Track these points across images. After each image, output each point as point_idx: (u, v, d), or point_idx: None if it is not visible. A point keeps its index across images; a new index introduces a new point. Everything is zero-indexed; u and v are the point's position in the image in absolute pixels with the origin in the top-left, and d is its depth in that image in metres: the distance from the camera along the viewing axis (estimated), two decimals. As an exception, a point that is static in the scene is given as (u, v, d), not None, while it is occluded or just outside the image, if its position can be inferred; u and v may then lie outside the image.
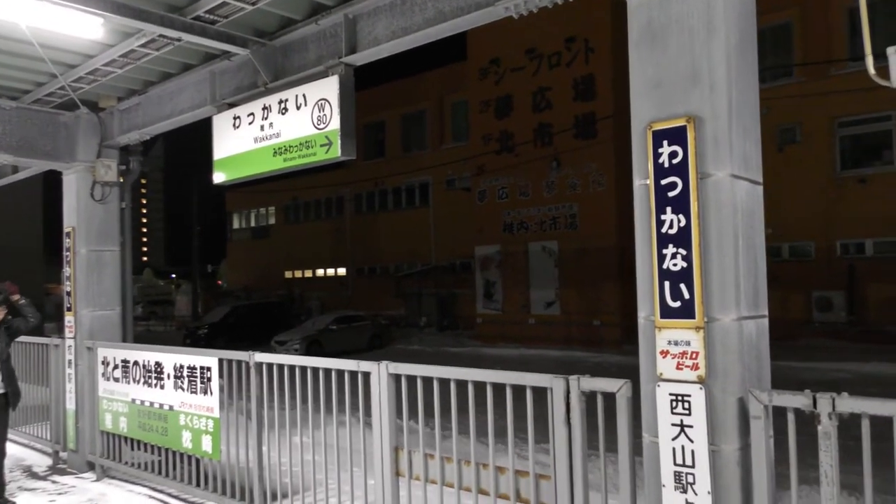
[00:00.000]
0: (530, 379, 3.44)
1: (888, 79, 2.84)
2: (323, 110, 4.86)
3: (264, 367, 4.97)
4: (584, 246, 22.97)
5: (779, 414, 2.76)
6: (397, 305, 30.79)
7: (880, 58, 2.95)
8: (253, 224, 43.00)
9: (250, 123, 5.44)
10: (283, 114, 5.17)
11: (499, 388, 3.59)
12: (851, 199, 21.72)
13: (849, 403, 2.58)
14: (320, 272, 37.79)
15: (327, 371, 4.48)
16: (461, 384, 3.72)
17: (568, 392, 3.28)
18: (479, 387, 3.66)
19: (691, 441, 2.91)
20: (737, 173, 2.92)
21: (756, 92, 3.10)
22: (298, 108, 5.04)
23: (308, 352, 20.91)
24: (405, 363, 4.11)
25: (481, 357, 20.72)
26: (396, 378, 4.11)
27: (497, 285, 24.72)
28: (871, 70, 2.99)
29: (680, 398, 2.95)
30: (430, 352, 22.08)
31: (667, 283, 2.99)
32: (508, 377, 3.52)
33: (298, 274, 38.99)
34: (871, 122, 21.72)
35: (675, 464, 2.94)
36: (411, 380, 4.04)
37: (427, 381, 3.95)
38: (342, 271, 36.13)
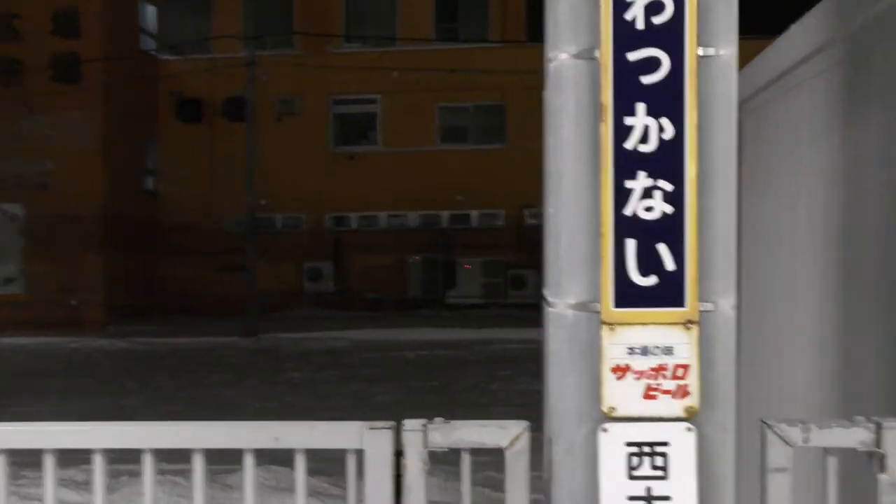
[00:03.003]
0: (314, 437, 1.70)
1: None
2: None
3: None
4: (59, 211, 19.29)
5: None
6: None
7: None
8: None
9: None
10: None
11: (221, 457, 1.76)
12: (342, 175, 22.74)
13: (935, 434, 1.63)
14: None
15: None
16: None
17: (399, 455, 1.67)
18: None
19: (668, 524, 1.63)
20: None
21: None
22: None
23: None
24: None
25: None
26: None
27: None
28: None
29: (649, 450, 1.64)
30: None
31: (631, 244, 1.63)
32: (240, 438, 1.71)
33: None
34: (361, 104, 23.04)
35: (636, 567, 1.63)
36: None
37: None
38: None
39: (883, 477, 1.63)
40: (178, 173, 22.72)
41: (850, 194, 2.49)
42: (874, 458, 1.64)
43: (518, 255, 23.13)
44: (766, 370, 3.11)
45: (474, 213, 23.88)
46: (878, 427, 1.63)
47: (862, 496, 1.70)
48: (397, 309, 21.84)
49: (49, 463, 1.73)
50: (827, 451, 1.66)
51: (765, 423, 1.67)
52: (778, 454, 1.65)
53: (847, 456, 1.67)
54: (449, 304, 22.53)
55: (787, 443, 1.65)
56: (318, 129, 22.82)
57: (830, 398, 2.49)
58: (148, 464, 1.74)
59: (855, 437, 1.64)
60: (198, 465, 1.72)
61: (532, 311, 21.59)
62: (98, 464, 1.71)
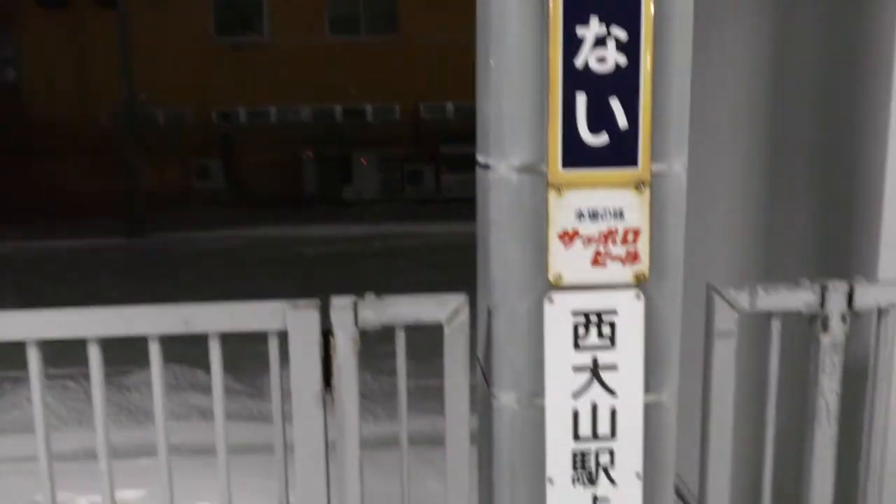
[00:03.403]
0: (230, 319, 1.51)
1: None
2: None
3: None
4: None
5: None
6: None
7: None
8: None
9: None
10: None
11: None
12: (227, 67, 21.44)
13: (875, 294, 1.61)
14: None
15: None
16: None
17: (327, 334, 1.51)
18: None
19: (611, 394, 1.56)
20: None
21: None
22: None
23: None
24: None
25: None
26: None
27: None
28: None
29: (596, 319, 1.55)
30: None
31: (581, 99, 1.48)
32: (155, 319, 1.50)
33: None
34: (245, -12, 21.54)
35: (578, 438, 1.57)
36: None
37: None
38: None
39: (825, 338, 1.61)
40: (44, 65, 20.81)
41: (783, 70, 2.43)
42: (817, 320, 1.62)
43: (414, 150, 22.84)
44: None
45: (368, 108, 23.24)
46: (823, 289, 1.60)
47: (799, 363, 1.69)
48: (293, 206, 21.28)
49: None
50: (772, 315, 1.63)
51: (712, 287, 1.61)
52: (724, 319, 1.60)
53: (787, 322, 1.65)
54: (346, 200, 22.13)
55: (733, 307, 1.60)
56: (198, 17, 21.27)
57: (757, 268, 2.50)
58: (34, 360, 1.51)
59: (800, 299, 1.61)
60: (95, 358, 1.51)
61: (429, 206, 21.52)
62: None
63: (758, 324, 1.69)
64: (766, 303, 1.60)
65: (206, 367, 1.57)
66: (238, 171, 21.98)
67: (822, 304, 1.60)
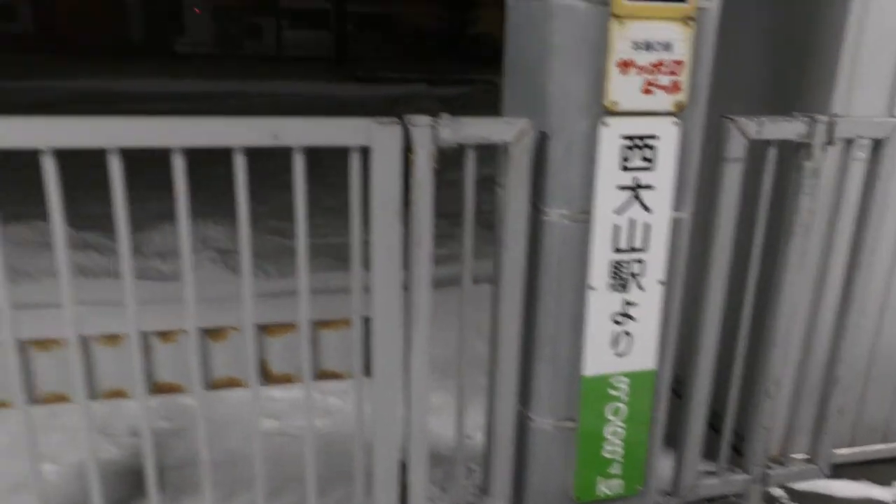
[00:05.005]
0: (317, 133, 1.53)
1: None
2: None
3: None
4: None
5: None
6: None
7: None
8: None
9: None
10: None
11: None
12: None
13: (851, 127, 1.91)
14: None
15: None
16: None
17: (408, 148, 1.58)
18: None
19: (648, 211, 1.78)
20: None
21: None
22: None
23: None
24: None
25: None
26: None
27: None
28: None
29: (640, 143, 1.73)
30: None
31: (651, -68, 1.58)
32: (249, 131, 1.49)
33: None
34: None
35: (617, 250, 1.78)
36: None
37: None
38: None
39: (807, 164, 1.91)
40: None
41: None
42: (803, 149, 1.90)
43: (253, 0, 21.44)
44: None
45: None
46: (812, 121, 1.88)
47: (783, 189, 1.98)
48: (117, 56, 19.47)
49: None
50: (769, 143, 1.89)
51: (727, 117, 1.84)
52: (736, 145, 1.84)
53: (781, 149, 1.92)
54: (178, 53, 20.52)
55: (744, 135, 1.84)
56: None
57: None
58: (116, 168, 1.47)
59: (795, 129, 1.87)
60: (179, 166, 1.49)
61: (270, 63, 20.42)
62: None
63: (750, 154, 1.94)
64: (770, 131, 1.85)
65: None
66: (50, 13, 19.60)
67: (810, 135, 1.88)
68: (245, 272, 1.59)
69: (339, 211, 5.31)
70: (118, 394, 1.60)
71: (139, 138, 1.44)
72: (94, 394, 1.57)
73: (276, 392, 2.77)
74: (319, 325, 1.70)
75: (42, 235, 5.17)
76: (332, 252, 4.95)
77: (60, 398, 1.58)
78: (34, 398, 1.56)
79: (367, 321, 1.69)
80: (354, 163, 1.56)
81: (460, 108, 16.23)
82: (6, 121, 1.37)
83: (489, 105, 16.36)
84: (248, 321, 1.63)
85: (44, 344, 1.55)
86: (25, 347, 1.54)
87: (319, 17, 24.20)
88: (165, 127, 1.45)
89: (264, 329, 1.68)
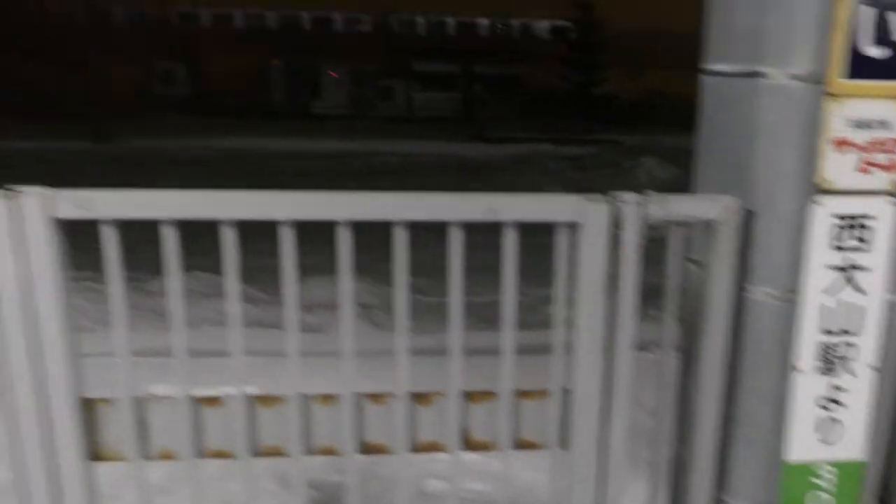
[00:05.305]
0: (530, 209, 1.59)
1: None
2: None
3: None
4: None
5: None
6: None
7: None
8: None
9: None
10: None
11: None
12: (192, -35, 20.47)
13: None
14: None
15: None
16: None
17: (616, 224, 1.61)
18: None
19: (861, 293, 1.71)
20: None
21: None
22: None
23: None
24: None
25: None
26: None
27: None
28: None
29: (853, 222, 1.68)
30: None
31: (868, 13, 1.57)
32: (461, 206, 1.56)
33: None
34: None
35: (826, 331, 1.72)
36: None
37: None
38: None
39: None
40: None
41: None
42: None
43: (385, 65, 22.43)
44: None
45: (338, 17, 22.60)
46: None
47: None
48: (259, 117, 20.80)
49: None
50: None
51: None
52: (955, 226, 1.75)
53: None
54: (315, 114, 21.69)
55: (965, 216, 1.74)
56: None
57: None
58: (345, 240, 1.57)
59: None
60: (401, 238, 1.57)
61: (400, 124, 21.24)
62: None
63: None
64: None
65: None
66: (202, 77, 21.25)
67: None
68: (454, 346, 1.64)
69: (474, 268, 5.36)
70: (329, 451, 1.67)
71: (366, 212, 1.53)
72: (309, 450, 1.65)
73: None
74: (519, 394, 1.72)
75: (202, 285, 5.52)
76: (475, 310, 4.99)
77: (277, 452, 1.67)
78: (256, 451, 1.66)
79: (566, 392, 1.70)
80: (562, 238, 1.60)
81: (587, 167, 16.19)
82: (247, 196, 1.50)
83: (615, 165, 16.27)
84: (454, 387, 1.68)
85: (266, 400, 1.65)
86: (251, 402, 1.65)
87: (448, 79, 25.11)
88: (390, 202, 1.54)
89: (468, 396, 1.72)
